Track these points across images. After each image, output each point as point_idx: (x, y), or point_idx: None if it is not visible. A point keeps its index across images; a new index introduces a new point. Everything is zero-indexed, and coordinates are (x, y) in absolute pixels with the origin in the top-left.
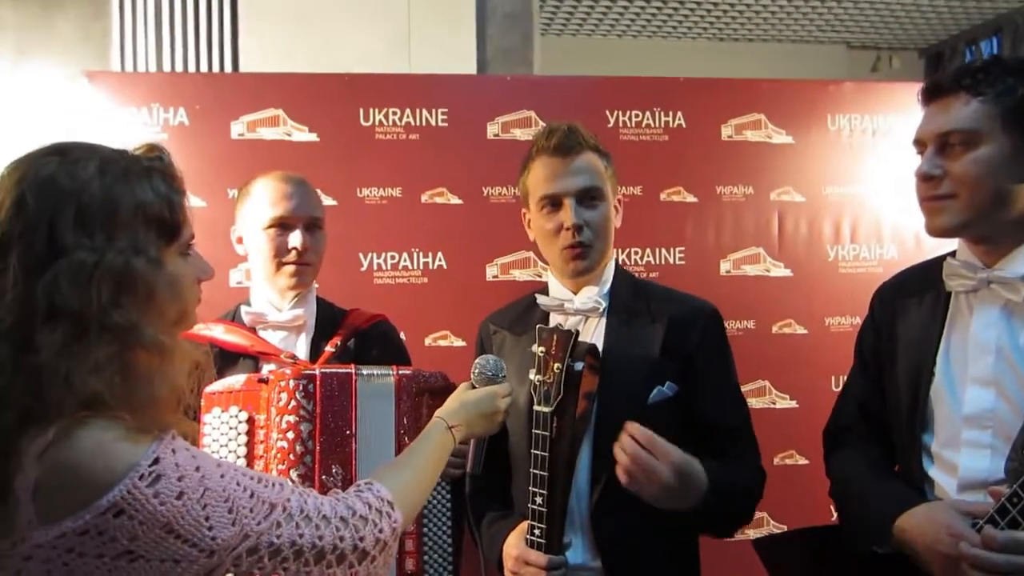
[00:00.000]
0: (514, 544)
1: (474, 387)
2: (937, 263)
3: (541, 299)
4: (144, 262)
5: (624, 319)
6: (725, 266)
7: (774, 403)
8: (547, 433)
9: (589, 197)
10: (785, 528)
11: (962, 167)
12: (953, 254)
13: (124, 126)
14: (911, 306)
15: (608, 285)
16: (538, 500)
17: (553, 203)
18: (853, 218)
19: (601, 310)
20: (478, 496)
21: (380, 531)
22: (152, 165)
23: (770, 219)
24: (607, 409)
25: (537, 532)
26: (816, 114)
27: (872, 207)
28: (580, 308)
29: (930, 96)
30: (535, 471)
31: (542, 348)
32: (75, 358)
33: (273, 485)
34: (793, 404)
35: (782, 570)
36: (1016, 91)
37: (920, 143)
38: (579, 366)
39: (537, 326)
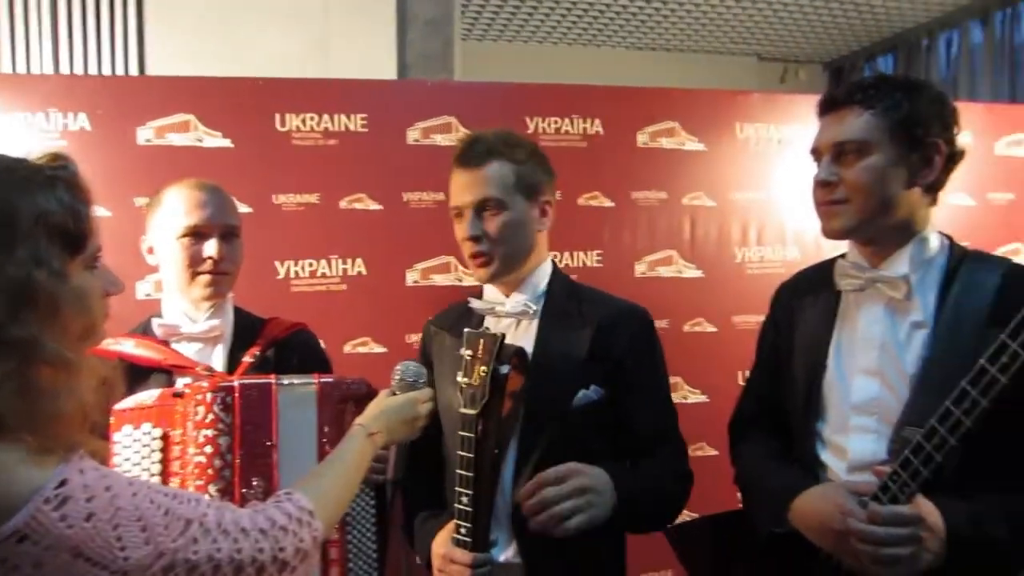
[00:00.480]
0: (441, 543)
1: (395, 393)
2: (829, 264)
3: (474, 303)
4: (46, 274)
5: (555, 322)
6: (640, 268)
7: (686, 398)
8: (472, 435)
9: (487, 208)
10: (697, 516)
11: (855, 174)
12: (844, 256)
13: (19, 131)
14: (806, 304)
15: (541, 288)
16: (464, 500)
17: (458, 214)
18: (759, 222)
19: (532, 313)
20: (412, 496)
21: (301, 541)
22: (56, 174)
23: (682, 223)
24: (533, 411)
25: (463, 531)
26: (726, 123)
27: (776, 212)
28: (510, 311)
29: (826, 108)
30: (461, 472)
31: (469, 351)
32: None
33: (189, 501)
34: (704, 399)
35: (690, 555)
36: (902, 106)
37: (817, 152)
38: (504, 369)
39: (464, 330)
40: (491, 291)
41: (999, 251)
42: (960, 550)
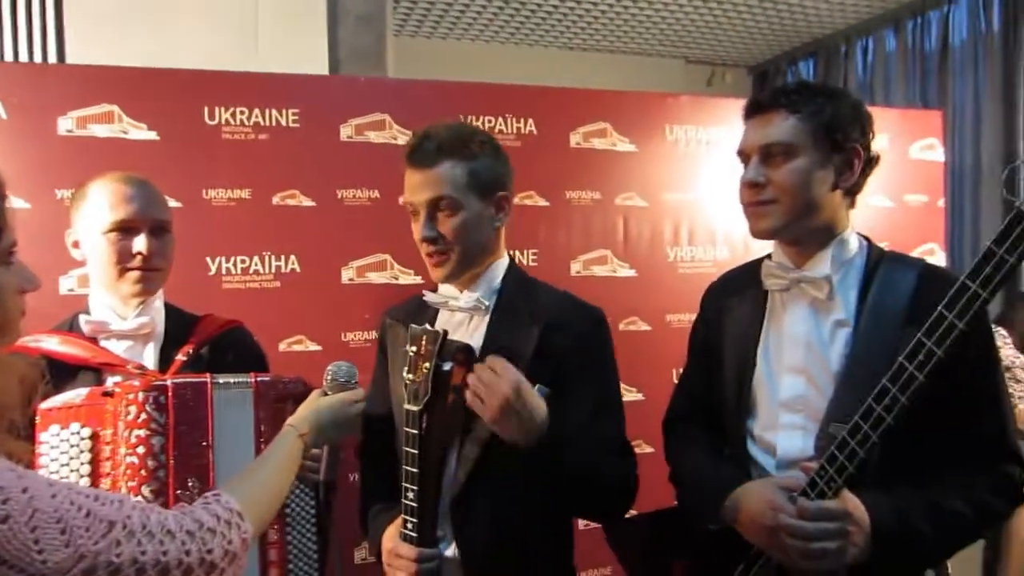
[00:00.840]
0: (389, 537)
1: (327, 394)
2: (757, 264)
3: (428, 296)
4: None
5: (505, 319)
6: (575, 267)
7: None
8: (416, 431)
9: (440, 208)
10: (634, 512)
11: (782, 175)
12: (770, 256)
13: None
14: (735, 304)
15: (496, 284)
16: (410, 495)
17: (413, 212)
18: (690, 222)
19: (484, 309)
20: (367, 489)
21: (229, 542)
22: None
23: (616, 223)
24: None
25: (409, 526)
26: (656, 124)
27: (706, 212)
28: (463, 307)
29: (752, 111)
30: (407, 467)
31: (413, 347)
32: None
33: (112, 502)
34: (639, 396)
35: (628, 553)
36: (824, 111)
37: (744, 154)
38: (447, 366)
39: (410, 326)
40: (446, 285)
41: (915, 251)
42: (885, 543)
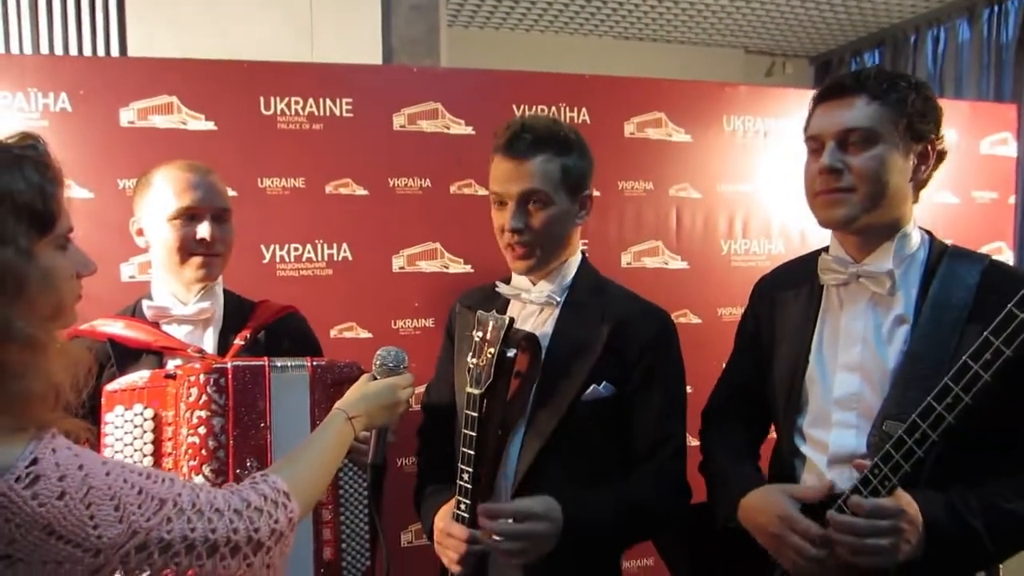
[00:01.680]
0: (442, 516)
1: (375, 378)
2: (811, 258)
3: (501, 287)
4: (12, 253)
5: (574, 314)
6: (626, 258)
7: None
8: (476, 414)
9: (532, 201)
10: None
11: (863, 162)
12: (826, 250)
13: None
14: (788, 299)
15: (568, 279)
16: (464, 477)
17: (500, 201)
18: (745, 214)
19: (556, 303)
20: (425, 469)
21: (276, 522)
22: (24, 153)
23: (668, 214)
24: (542, 397)
25: (462, 507)
26: (713, 114)
27: (762, 204)
28: (535, 300)
29: (832, 94)
30: (464, 449)
31: (479, 333)
32: None
33: (163, 481)
34: (688, 390)
35: (668, 543)
36: (907, 100)
37: (817, 139)
38: (511, 352)
39: (478, 312)
40: (519, 276)
41: (982, 249)
42: (939, 543)
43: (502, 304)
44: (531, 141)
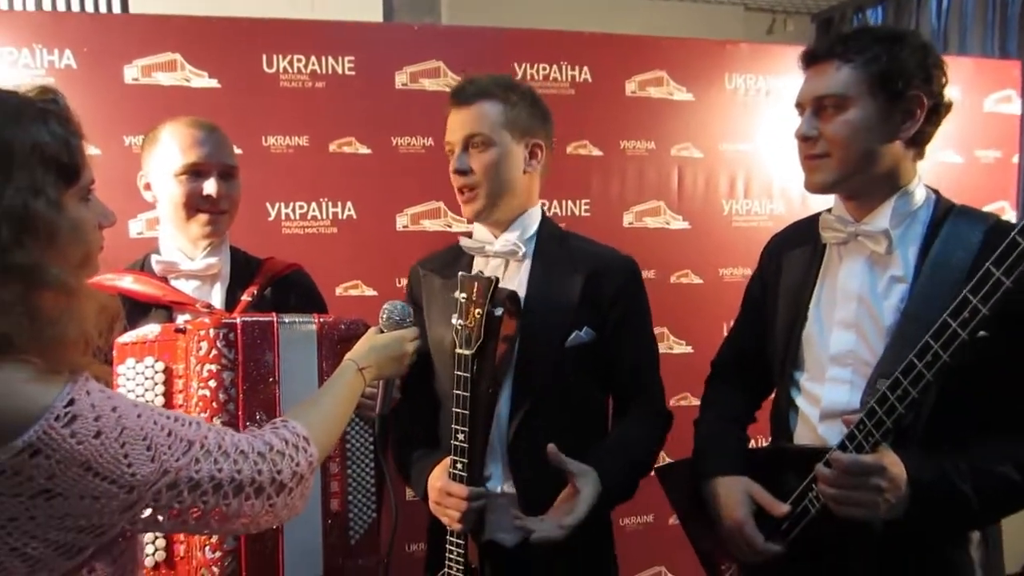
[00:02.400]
0: (438, 477)
1: (382, 331)
2: (817, 218)
3: (464, 241)
4: (44, 203)
5: (547, 266)
6: (628, 218)
7: (671, 348)
8: (467, 374)
9: (473, 144)
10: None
11: (833, 128)
12: (830, 210)
13: (3, 67)
14: (793, 258)
15: (531, 232)
16: (460, 437)
17: (451, 150)
18: (746, 174)
19: (520, 255)
20: (404, 433)
21: (297, 464)
22: (47, 107)
23: (670, 173)
24: (527, 351)
25: (459, 466)
26: (715, 73)
27: (763, 164)
28: (499, 251)
29: (808, 62)
30: (457, 410)
31: (463, 294)
32: (12, 297)
33: (190, 424)
34: (689, 349)
35: (676, 492)
36: (881, 58)
37: (800, 106)
38: (499, 311)
39: (459, 273)
40: (481, 231)
41: (985, 209)
42: (924, 502)
43: (464, 264)
44: (474, 90)
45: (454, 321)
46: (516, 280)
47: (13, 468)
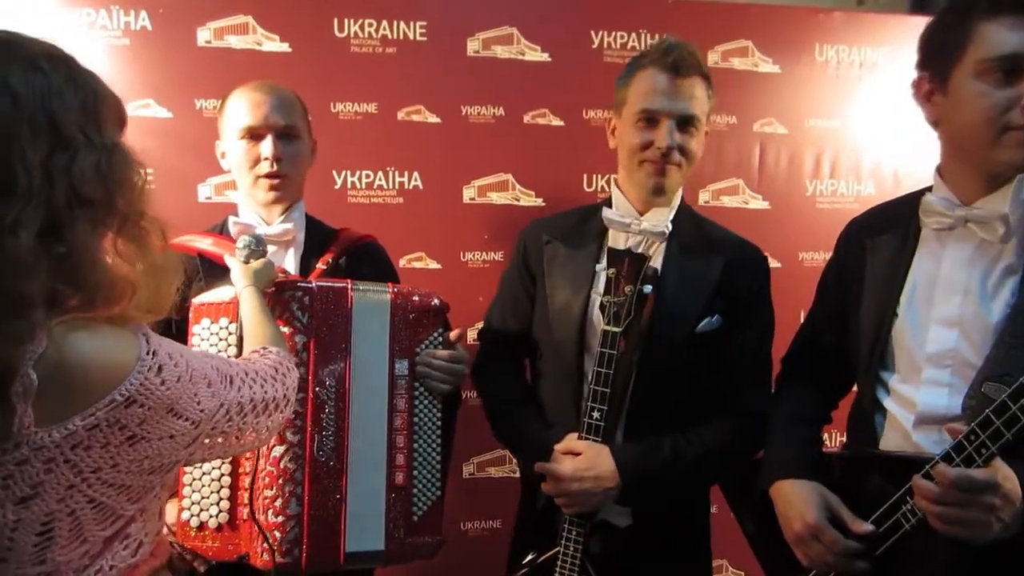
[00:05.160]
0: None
1: (248, 261)
2: (910, 200)
3: (608, 212)
4: (121, 154)
5: (684, 248)
6: (704, 196)
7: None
8: (614, 351)
9: (688, 124)
10: None
11: None
12: (929, 190)
13: (82, 28)
14: (878, 244)
15: (674, 212)
16: (595, 415)
17: (650, 120)
18: (834, 153)
19: (664, 235)
20: (499, 399)
21: (293, 382)
22: (87, 69)
23: (751, 150)
24: (660, 332)
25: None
26: (804, 43)
27: (853, 142)
28: (648, 230)
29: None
30: (597, 387)
31: (613, 270)
32: (98, 246)
33: (227, 363)
34: None
35: (733, 492)
36: None
37: (1005, 60)
38: (648, 289)
39: (607, 247)
40: (624, 204)
41: None
42: None
43: (593, 234)
44: (694, 64)
45: (600, 297)
46: (655, 258)
47: (108, 420)
